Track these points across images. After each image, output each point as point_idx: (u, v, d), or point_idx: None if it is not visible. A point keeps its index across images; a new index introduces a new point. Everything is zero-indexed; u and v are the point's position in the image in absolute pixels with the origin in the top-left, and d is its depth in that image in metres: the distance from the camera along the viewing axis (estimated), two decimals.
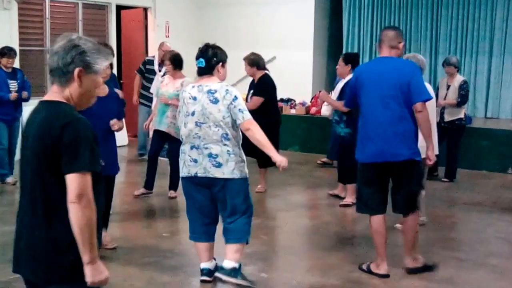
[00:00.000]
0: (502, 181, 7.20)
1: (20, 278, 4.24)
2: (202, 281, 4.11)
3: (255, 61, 6.61)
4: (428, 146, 4.18)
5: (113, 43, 10.19)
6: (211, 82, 3.92)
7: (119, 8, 10.57)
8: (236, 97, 3.88)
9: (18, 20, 8.67)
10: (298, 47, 10.35)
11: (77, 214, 2.04)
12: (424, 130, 4.12)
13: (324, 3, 11.17)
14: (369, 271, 4.35)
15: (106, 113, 4.37)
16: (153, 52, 10.98)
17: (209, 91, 3.88)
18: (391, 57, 4.20)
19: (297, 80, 10.17)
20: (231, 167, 3.88)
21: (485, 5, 9.84)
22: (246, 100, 6.55)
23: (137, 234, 5.28)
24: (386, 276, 4.28)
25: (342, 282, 4.20)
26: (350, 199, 6.15)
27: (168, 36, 11.10)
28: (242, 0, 11.19)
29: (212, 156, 3.86)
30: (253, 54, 6.70)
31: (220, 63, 3.97)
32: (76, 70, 2.13)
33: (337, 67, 6.46)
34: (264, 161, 5.94)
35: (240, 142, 3.99)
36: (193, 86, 3.98)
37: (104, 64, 2.22)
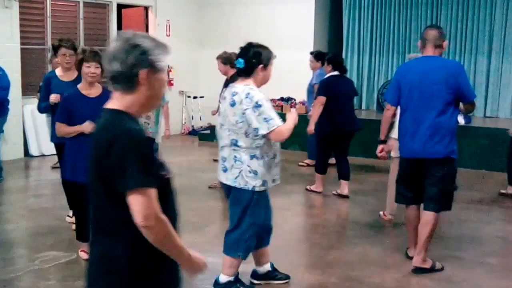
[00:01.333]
0: (501, 180, 7.21)
1: (20, 276, 4.29)
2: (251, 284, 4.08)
3: (228, 59, 6.69)
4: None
5: None
6: (241, 84, 3.68)
7: (120, 6, 10.59)
8: (259, 104, 3.53)
9: (19, 18, 8.69)
10: (299, 46, 10.36)
11: (149, 236, 1.85)
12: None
13: (325, 2, 11.19)
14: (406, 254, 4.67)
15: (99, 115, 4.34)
16: None
17: (233, 93, 3.65)
18: (437, 56, 4.26)
19: (297, 80, 10.18)
20: (235, 174, 3.65)
21: (484, 5, 9.87)
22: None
23: None
24: (411, 258, 4.48)
25: (341, 280, 4.22)
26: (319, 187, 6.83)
27: (169, 35, 11.12)
28: (242, 0, 11.22)
29: (222, 159, 3.73)
30: (225, 52, 6.83)
31: (261, 65, 3.66)
32: (143, 72, 1.90)
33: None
34: None
35: (263, 152, 3.64)
36: (230, 86, 3.80)
37: (166, 60, 1.96)
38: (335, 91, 6.46)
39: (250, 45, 3.73)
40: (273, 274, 4.15)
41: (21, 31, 8.73)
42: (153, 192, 1.84)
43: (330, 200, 6.63)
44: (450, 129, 4.20)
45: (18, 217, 5.83)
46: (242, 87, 3.64)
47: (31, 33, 9.08)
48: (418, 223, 4.42)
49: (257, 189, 3.67)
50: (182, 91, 11.33)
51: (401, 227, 5.55)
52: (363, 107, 11.05)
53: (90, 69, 4.19)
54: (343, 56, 11.12)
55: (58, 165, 7.78)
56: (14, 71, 8.11)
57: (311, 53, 8.11)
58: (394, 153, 5.43)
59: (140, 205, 1.82)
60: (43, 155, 8.83)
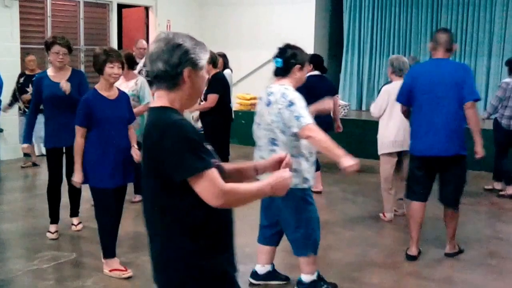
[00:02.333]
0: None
1: (18, 276, 4.28)
2: (250, 284, 4.10)
3: (212, 59, 6.72)
4: (476, 141, 4.50)
5: (114, 42, 10.21)
6: (277, 84, 3.70)
7: (120, 6, 10.59)
8: (292, 102, 3.56)
9: (19, 18, 8.69)
10: (299, 45, 10.34)
11: (231, 205, 1.97)
12: (473, 126, 4.47)
13: (325, 3, 11.19)
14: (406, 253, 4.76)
15: (119, 117, 4.15)
16: None
17: (269, 93, 3.68)
18: (448, 59, 4.52)
19: None
20: None
21: (484, 7, 9.87)
22: (202, 98, 6.76)
23: (138, 233, 5.29)
24: (412, 257, 4.65)
25: (341, 281, 4.21)
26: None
27: None
28: (243, 0, 11.22)
29: (261, 159, 3.65)
30: (210, 52, 6.80)
31: (299, 65, 3.72)
32: (186, 71, 1.99)
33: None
34: None
35: (301, 150, 3.67)
36: (267, 86, 3.80)
37: (206, 57, 2.06)
38: (314, 90, 6.43)
39: (287, 46, 3.77)
40: (273, 275, 4.15)
41: (21, 31, 8.74)
42: (213, 172, 1.91)
43: (329, 200, 6.62)
44: (462, 128, 4.46)
45: (17, 217, 5.83)
46: (278, 87, 3.66)
47: (31, 32, 9.08)
48: (422, 220, 4.65)
49: (300, 186, 3.66)
50: None
51: (400, 228, 5.55)
52: (363, 108, 11.03)
53: (114, 69, 4.07)
54: (344, 56, 11.13)
55: (27, 164, 7.81)
56: (14, 71, 8.09)
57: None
58: (382, 151, 5.62)
59: (207, 188, 1.89)
60: (42, 155, 8.81)
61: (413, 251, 4.66)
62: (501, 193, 6.92)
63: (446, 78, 4.38)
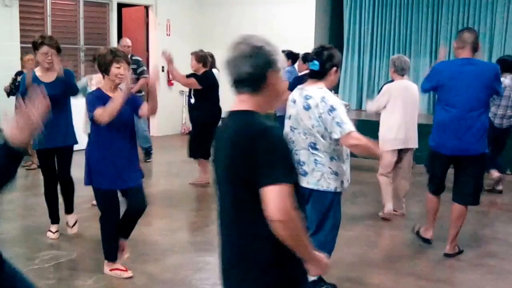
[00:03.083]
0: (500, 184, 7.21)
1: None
2: None
3: (202, 58, 6.83)
4: None
5: (114, 41, 10.21)
6: (314, 87, 3.64)
7: (120, 6, 10.59)
8: (333, 108, 3.52)
9: (19, 17, 8.68)
10: (300, 45, 10.35)
11: (281, 231, 1.87)
12: None
13: (325, 3, 11.19)
14: (417, 233, 4.98)
15: (123, 119, 4.00)
16: (154, 51, 11.02)
17: (306, 96, 3.61)
18: (476, 59, 4.61)
19: None
20: (316, 177, 3.62)
21: (485, 6, 9.87)
22: (192, 94, 7.03)
23: (138, 232, 5.29)
24: (428, 241, 4.89)
25: (340, 281, 4.22)
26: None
27: (169, 35, 11.12)
28: None
29: (300, 163, 3.64)
30: (201, 51, 6.99)
31: (335, 68, 3.66)
32: (270, 73, 2.01)
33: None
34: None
35: (342, 154, 3.67)
36: (298, 88, 3.74)
37: (280, 58, 2.07)
38: None
39: (323, 48, 3.69)
40: (318, 284, 4.04)
41: (21, 30, 8.73)
42: (291, 188, 1.88)
43: None
44: (486, 127, 4.59)
45: (17, 216, 5.83)
46: (316, 90, 3.61)
47: (31, 31, 9.06)
48: (438, 207, 4.88)
49: (338, 190, 3.70)
50: (182, 91, 11.31)
51: (400, 228, 5.56)
52: (363, 107, 11.04)
53: (120, 70, 4.00)
54: (344, 56, 11.13)
55: (32, 166, 7.80)
56: (14, 70, 8.09)
57: (283, 51, 8.09)
58: (383, 148, 5.56)
59: (277, 199, 1.85)
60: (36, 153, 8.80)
61: (429, 235, 4.90)
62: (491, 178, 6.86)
63: (477, 77, 4.44)
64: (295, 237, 1.90)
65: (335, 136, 3.51)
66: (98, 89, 4.14)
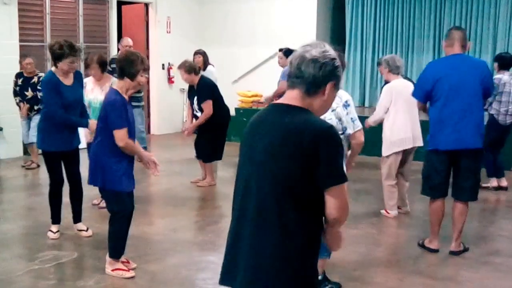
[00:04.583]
0: (505, 179, 7.16)
1: (19, 276, 4.22)
2: None
3: (191, 67, 6.68)
4: None
5: (113, 39, 10.16)
6: None
7: (120, 3, 10.54)
8: (348, 103, 3.62)
9: (18, 15, 8.63)
10: (301, 42, 10.30)
11: (336, 227, 2.08)
12: None
13: None
14: (422, 245, 4.81)
15: (134, 121, 4.21)
16: (155, 48, 10.97)
17: None
18: (466, 54, 4.60)
19: None
20: None
21: (489, 4, 9.80)
22: (198, 108, 6.78)
23: (140, 232, 5.25)
24: (436, 251, 4.74)
25: (344, 280, 4.17)
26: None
27: (169, 32, 11.07)
28: None
29: None
30: (186, 61, 6.80)
31: (344, 68, 3.85)
32: (330, 84, 2.05)
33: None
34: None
35: (345, 150, 3.68)
36: None
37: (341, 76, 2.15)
38: None
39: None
40: (322, 282, 4.05)
41: (20, 28, 8.68)
42: (346, 189, 2.02)
43: None
44: (481, 121, 4.59)
45: (17, 216, 5.79)
46: None
47: (30, 30, 9.03)
48: (443, 216, 4.71)
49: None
50: (183, 89, 11.25)
51: (404, 226, 5.51)
52: (366, 104, 10.99)
53: (143, 79, 4.11)
54: (346, 52, 11.06)
55: (32, 166, 7.77)
56: (13, 69, 8.04)
57: (280, 49, 7.92)
58: (390, 151, 5.56)
59: (342, 199, 1.99)
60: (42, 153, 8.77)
61: (435, 245, 4.75)
62: (484, 185, 6.72)
63: (470, 72, 4.46)
64: (340, 237, 2.13)
65: (349, 131, 3.60)
66: (118, 92, 4.03)
